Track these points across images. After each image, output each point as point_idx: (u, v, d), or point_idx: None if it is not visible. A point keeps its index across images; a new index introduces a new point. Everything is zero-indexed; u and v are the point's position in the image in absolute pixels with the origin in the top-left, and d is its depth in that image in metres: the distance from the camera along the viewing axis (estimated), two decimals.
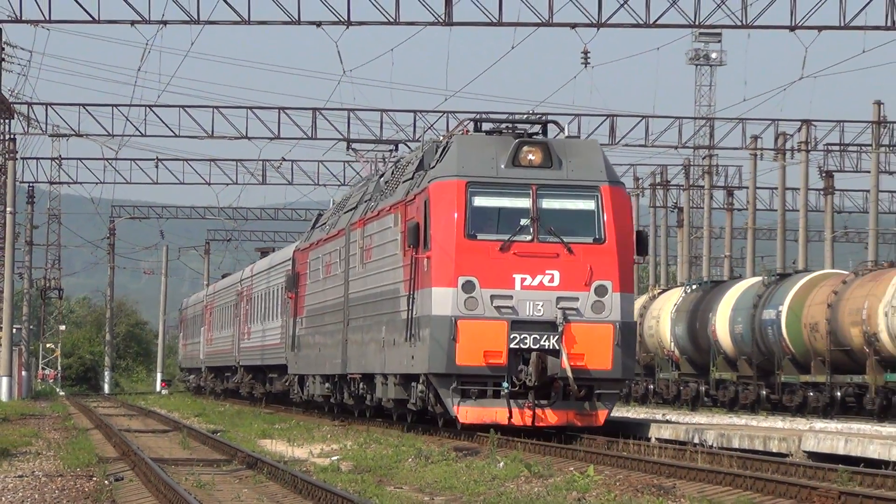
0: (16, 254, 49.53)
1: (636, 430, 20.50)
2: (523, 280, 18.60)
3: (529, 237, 18.86)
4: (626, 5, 30.54)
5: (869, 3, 31.00)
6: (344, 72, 34.38)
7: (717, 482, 12.51)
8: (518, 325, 18.39)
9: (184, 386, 65.30)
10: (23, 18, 28.48)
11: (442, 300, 18.66)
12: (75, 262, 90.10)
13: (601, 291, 18.64)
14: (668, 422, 23.06)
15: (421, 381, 20.00)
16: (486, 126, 22.19)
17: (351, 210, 28.25)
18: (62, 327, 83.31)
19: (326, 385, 30.11)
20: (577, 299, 18.58)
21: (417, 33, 32.77)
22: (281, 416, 35.16)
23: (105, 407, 48.84)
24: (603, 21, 30.42)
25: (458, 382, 18.46)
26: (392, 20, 30.74)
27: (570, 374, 17.98)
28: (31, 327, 65.66)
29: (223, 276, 56.52)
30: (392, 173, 25.99)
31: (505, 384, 18.15)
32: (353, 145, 35.20)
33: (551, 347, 18.26)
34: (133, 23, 30.38)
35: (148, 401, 56.41)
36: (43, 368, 76.54)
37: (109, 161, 50.34)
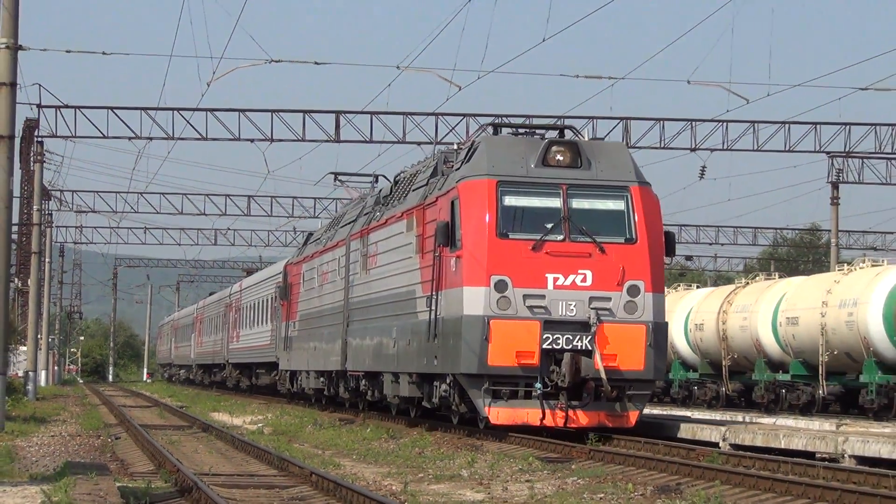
0: (52, 290, 73.71)
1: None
2: (556, 280, 17.69)
3: (561, 237, 18.01)
4: None
5: None
6: (269, 171, 48.96)
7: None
8: (551, 325, 17.46)
9: (175, 378, 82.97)
10: (57, 134, 41.97)
11: (474, 300, 17.68)
12: (91, 294, 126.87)
13: (634, 292, 17.87)
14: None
15: (447, 380, 19.29)
16: (505, 131, 21.66)
17: (349, 223, 29.33)
18: (81, 338, 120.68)
19: (321, 379, 31.85)
20: (609, 299, 17.78)
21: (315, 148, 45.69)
22: (225, 397, 42.44)
23: (109, 391, 66.05)
24: None
25: (489, 383, 17.55)
26: (299, 138, 43.02)
27: (603, 375, 17.21)
28: (61, 337, 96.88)
29: (210, 294, 69.93)
30: (392, 188, 26.13)
31: (538, 385, 17.24)
32: (340, 177, 36.81)
33: (584, 348, 17.43)
34: (130, 138, 42.87)
35: (137, 386, 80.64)
36: (69, 365, 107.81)
37: (113, 229, 74.75)
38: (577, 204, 18.09)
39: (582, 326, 17.49)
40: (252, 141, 41.40)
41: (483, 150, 18.72)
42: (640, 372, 17.77)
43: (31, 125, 43.92)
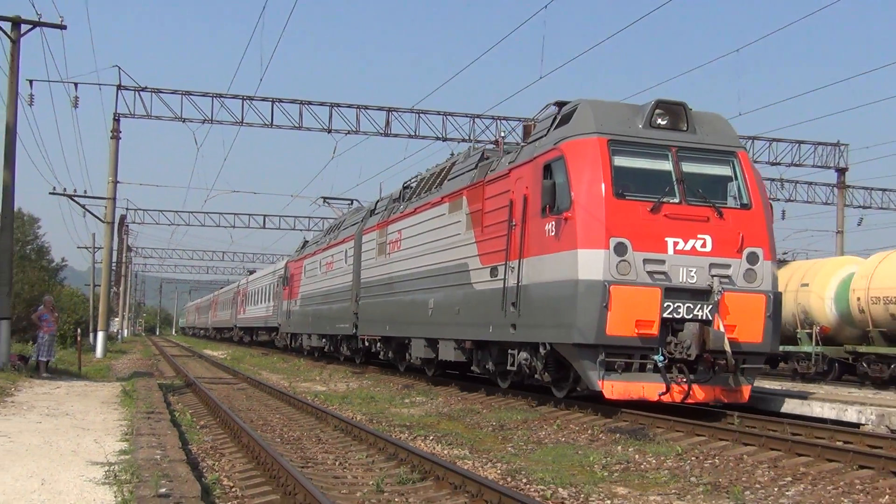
0: (130, 292, 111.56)
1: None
2: (676, 244, 15.65)
3: (677, 199, 16.05)
4: None
5: None
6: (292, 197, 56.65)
7: None
8: (671, 292, 15.46)
9: (195, 335, 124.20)
10: (135, 114, 40.38)
11: (590, 263, 15.45)
12: (148, 294, 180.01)
13: (753, 259, 16.01)
14: None
15: (535, 349, 17.59)
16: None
17: (354, 224, 32.90)
18: (144, 314, 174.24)
19: (323, 340, 37.33)
20: (729, 266, 15.86)
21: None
22: (273, 361, 44.99)
23: (156, 339, 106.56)
24: None
25: (605, 354, 15.44)
26: (354, 130, 41.80)
27: (728, 347, 15.28)
28: (133, 314, 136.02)
29: (221, 287, 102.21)
30: (402, 192, 27.91)
31: (659, 357, 15.35)
32: (328, 200, 43.92)
33: (704, 317, 15.51)
34: (202, 121, 40.90)
35: (171, 337, 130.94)
36: (137, 326, 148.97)
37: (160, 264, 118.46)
38: (687, 167, 16.38)
39: (702, 294, 15.65)
40: (311, 130, 40.83)
41: (587, 110, 16.83)
42: (758, 344, 15.91)
43: (122, 218, 68.22)
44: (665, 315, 15.43)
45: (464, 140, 41.28)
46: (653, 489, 10.23)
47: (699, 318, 15.55)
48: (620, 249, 15.50)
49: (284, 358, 43.03)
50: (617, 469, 11.47)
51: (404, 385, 24.78)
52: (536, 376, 18.12)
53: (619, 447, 13.20)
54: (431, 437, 14.26)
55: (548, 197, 16.59)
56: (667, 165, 16.43)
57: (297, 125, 40.33)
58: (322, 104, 41.03)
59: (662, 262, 15.63)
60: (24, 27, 24.83)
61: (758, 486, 10.48)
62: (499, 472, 11.11)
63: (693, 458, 12.22)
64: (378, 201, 31.47)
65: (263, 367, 35.92)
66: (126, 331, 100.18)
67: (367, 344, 30.25)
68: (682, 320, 15.54)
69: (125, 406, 15.96)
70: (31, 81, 34.84)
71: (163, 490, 7.45)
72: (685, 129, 16.86)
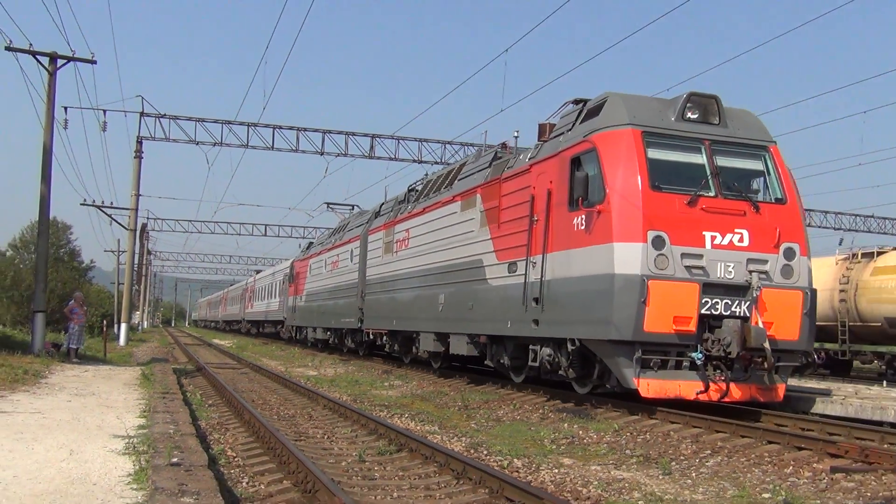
0: (149, 290, 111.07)
1: None
2: (713, 238, 13.40)
3: (712, 193, 13.72)
4: None
5: None
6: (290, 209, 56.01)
7: None
8: (708, 287, 13.19)
9: (206, 326, 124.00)
10: (150, 229, 49.77)
11: (628, 257, 13.15)
12: (165, 291, 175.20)
13: (790, 254, 13.88)
14: None
15: (560, 345, 15.27)
16: None
17: (360, 226, 30.57)
18: (161, 309, 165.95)
19: (328, 333, 35.08)
20: (766, 262, 13.66)
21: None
22: (271, 349, 44.68)
23: (171, 331, 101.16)
24: None
25: (641, 351, 13.07)
26: (343, 153, 40.93)
27: (768, 345, 13.13)
28: (152, 308, 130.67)
29: (231, 284, 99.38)
30: (406, 195, 25.79)
31: (698, 354, 13.03)
32: (331, 205, 42.15)
33: (742, 314, 13.31)
34: (213, 144, 48.16)
35: (184, 328, 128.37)
36: (155, 319, 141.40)
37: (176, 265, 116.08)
38: (721, 161, 14.07)
39: (739, 290, 13.37)
40: (306, 153, 40.16)
41: (618, 102, 14.47)
42: (794, 342, 13.70)
43: (143, 226, 63.53)
44: (703, 311, 13.18)
45: (437, 162, 41.36)
46: (594, 460, 10.28)
47: (736, 314, 13.34)
48: (658, 243, 13.23)
49: (282, 347, 42.90)
50: (563, 443, 11.51)
51: (384, 371, 24.72)
52: (561, 372, 15.78)
53: (566, 424, 13.24)
54: (406, 415, 14.28)
55: (580, 189, 14.10)
56: (700, 159, 14.11)
57: (294, 148, 40.26)
58: (316, 130, 40.91)
59: (700, 256, 13.36)
60: (59, 61, 24.70)
61: (682, 457, 10.55)
62: (463, 445, 11.14)
63: (628, 434, 12.28)
64: (382, 204, 29.16)
65: (264, 354, 35.76)
66: (145, 322, 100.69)
67: (371, 337, 28.14)
68: (720, 317, 13.30)
69: (144, 387, 15.89)
70: (65, 108, 35.05)
71: (175, 459, 7.44)
72: (717, 122, 14.52)
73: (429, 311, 21.61)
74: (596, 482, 8.75)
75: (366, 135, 41.27)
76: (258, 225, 73.58)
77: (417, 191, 25.22)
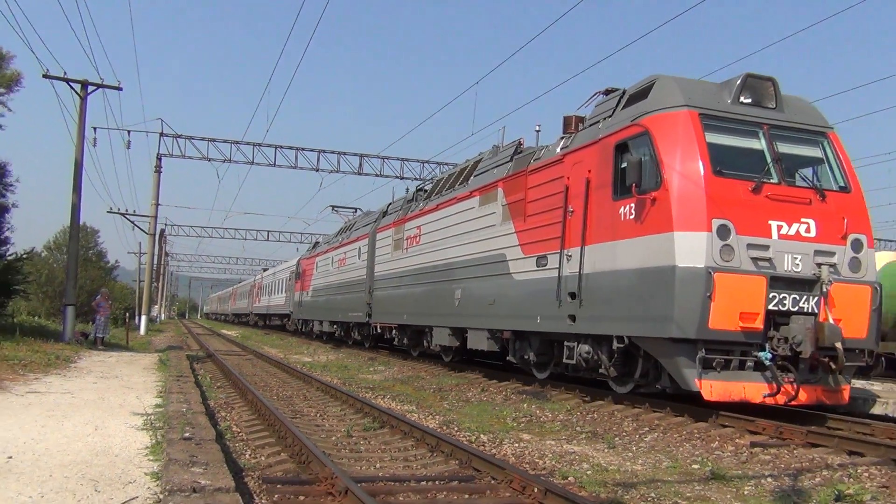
0: (167, 287, 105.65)
1: None
2: (779, 228, 10.73)
3: (776, 180, 11.05)
4: None
5: None
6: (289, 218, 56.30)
7: None
8: (776, 281, 10.58)
9: (216, 319, 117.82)
10: (167, 234, 48.45)
11: (691, 247, 10.45)
12: (180, 288, 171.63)
13: (857, 246, 11.14)
14: None
15: (603, 343, 12.53)
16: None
17: (368, 225, 27.73)
18: (176, 303, 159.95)
19: (334, 326, 31.97)
20: (834, 254, 10.96)
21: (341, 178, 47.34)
22: (272, 339, 43.61)
23: (185, 322, 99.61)
24: None
25: (704, 350, 10.35)
26: (335, 170, 40.08)
27: (840, 344, 10.52)
28: (168, 302, 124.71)
29: (239, 282, 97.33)
30: (416, 193, 23.41)
31: (765, 353, 10.45)
32: (336, 208, 38.59)
33: (810, 310, 10.69)
34: (223, 161, 47.74)
35: (197, 321, 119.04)
36: (171, 312, 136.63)
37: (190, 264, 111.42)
38: (781, 147, 11.47)
39: (806, 284, 10.80)
40: (304, 169, 39.42)
41: (670, 83, 11.79)
42: (862, 340, 11.08)
43: (162, 231, 62.00)
44: (770, 307, 10.56)
45: (416, 179, 40.84)
46: (549, 435, 10.24)
47: (805, 310, 10.72)
48: (723, 232, 10.53)
49: (282, 337, 42.41)
50: (523, 421, 11.46)
51: (369, 357, 24.49)
52: (602, 370, 12.87)
53: (525, 405, 13.18)
54: (388, 396, 14.17)
55: (633, 175, 11.30)
56: (759, 144, 11.46)
57: (293, 165, 39.68)
58: (312, 150, 40.38)
59: (766, 247, 10.67)
60: (90, 87, 24.42)
61: (624, 433, 10.54)
62: (437, 422, 11.07)
63: (578, 414, 12.24)
64: (390, 204, 26.59)
65: (265, 343, 35.29)
66: (163, 315, 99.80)
67: (379, 330, 25.11)
68: (787, 313, 10.68)
69: (161, 371, 15.69)
70: (94, 128, 34.46)
71: (187, 434, 7.32)
72: (774, 106, 11.78)
73: (443, 306, 18.70)
74: (551, 455, 8.72)
75: (355, 154, 40.94)
76: (262, 231, 73.71)
77: (426, 190, 22.69)
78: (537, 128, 16.67)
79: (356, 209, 38.43)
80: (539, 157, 14.89)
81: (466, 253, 17.52)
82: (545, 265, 13.84)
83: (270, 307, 55.69)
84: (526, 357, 15.41)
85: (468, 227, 17.57)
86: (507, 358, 16.21)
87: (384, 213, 26.46)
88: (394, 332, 23.57)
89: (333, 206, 38.55)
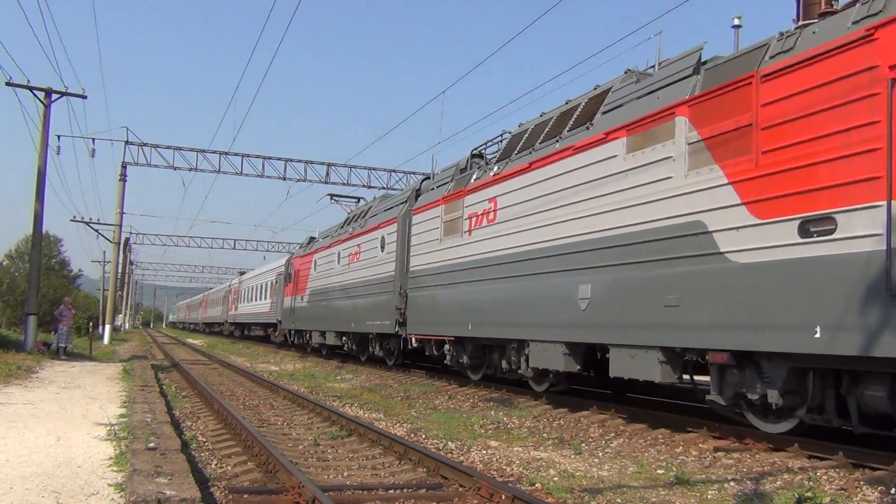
0: (131, 295, 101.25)
1: None
2: None
3: None
4: None
5: None
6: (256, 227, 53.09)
7: None
8: None
9: (184, 328, 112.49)
10: (132, 243, 47.99)
11: None
12: (145, 296, 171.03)
13: None
14: None
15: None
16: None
17: (390, 208, 21.93)
18: (141, 312, 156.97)
19: (343, 339, 25.77)
20: None
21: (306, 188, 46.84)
22: (237, 346, 41.92)
23: (150, 331, 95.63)
24: None
25: None
26: (302, 178, 40.24)
27: None
28: (133, 311, 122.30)
29: (208, 290, 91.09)
30: (469, 160, 17.45)
31: None
32: (335, 197, 31.69)
33: None
34: (189, 169, 48.01)
35: (162, 329, 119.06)
36: (136, 321, 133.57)
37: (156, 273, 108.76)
38: None
39: None
40: (270, 178, 39.15)
41: None
42: None
43: (126, 239, 60.44)
44: None
45: (384, 188, 40.97)
46: (517, 442, 10.26)
47: None
48: None
49: (248, 346, 42.05)
50: (491, 428, 11.46)
51: (336, 366, 24.32)
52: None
53: (493, 412, 13.18)
54: (356, 405, 14.11)
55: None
56: None
57: (260, 174, 39.44)
58: (279, 159, 40.26)
59: None
60: (54, 95, 24.11)
61: (591, 439, 10.58)
62: (405, 430, 11.04)
63: (545, 420, 12.27)
64: (424, 180, 20.77)
65: (232, 352, 35.01)
66: (127, 324, 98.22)
67: (416, 344, 18.79)
68: None
69: (125, 381, 15.47)
70: (58, 136, 34.21)
71: (151, 444, 7.22)
72: None
73: (553, 311, 12.59)
74: (518, 461, 8.73)
75: (322, 163, 40.71)
76: (228, 239, 73.46)
77: (483, 155, 17.36)
78: (659, 61, 11.55)
79: (358, 199, 31.69)
80: (789, 49, 8.76)
81: (603, 227, 11.49)
82: (823, 232, 8.00)
83: (251, 315, 47.48)
84: (753, 397, 9.28)
85: (603, 187, 11.56)
86: (708, 398, 9.93)
87: (418, 192, 20.38)
88: (446, 347, 17.45)
89: (332, 196, 31.67)
